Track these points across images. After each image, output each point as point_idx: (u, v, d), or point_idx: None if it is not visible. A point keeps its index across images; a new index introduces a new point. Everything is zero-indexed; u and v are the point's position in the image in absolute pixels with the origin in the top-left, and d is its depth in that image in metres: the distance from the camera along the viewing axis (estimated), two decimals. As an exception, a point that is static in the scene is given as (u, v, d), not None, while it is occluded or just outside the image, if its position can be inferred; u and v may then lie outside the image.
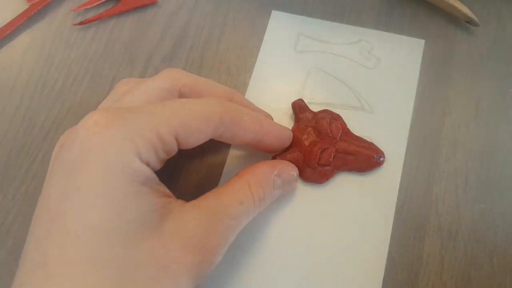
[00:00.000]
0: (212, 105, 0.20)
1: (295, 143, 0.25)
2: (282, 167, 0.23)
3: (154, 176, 0.19)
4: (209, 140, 0.20)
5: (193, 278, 0.18)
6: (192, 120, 0.19)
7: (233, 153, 0.27)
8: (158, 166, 0.19)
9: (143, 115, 0.18)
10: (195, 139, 0.19)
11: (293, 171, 0.24)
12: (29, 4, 0.31)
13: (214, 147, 0.27)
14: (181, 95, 0.22)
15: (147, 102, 0.21)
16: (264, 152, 0.25)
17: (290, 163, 0.24)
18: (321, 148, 0.25)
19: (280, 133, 0.24)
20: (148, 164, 0.18)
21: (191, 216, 0.19)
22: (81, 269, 0.16)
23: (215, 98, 0.21)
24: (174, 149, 0.19)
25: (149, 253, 0.17)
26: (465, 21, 0.29)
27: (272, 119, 0.26)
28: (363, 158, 0.25)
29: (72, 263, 0.16)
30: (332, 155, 0.25)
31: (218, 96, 0.23)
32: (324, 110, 0.27)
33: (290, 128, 0.27)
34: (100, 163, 0.17)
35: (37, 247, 0.17)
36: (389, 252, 0.24)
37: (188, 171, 0.26)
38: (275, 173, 0.22)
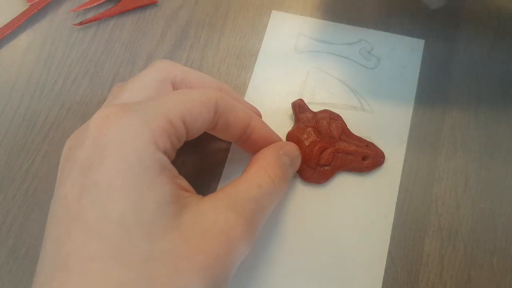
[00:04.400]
0: (208, 93, 0.20)
1: (295, 143, 0.25)
2: (285, 146, 0.23)
3: (172, 167, 0.18)
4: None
5: (220, 269, 0.17)
6: (194, 105, 0.19)
7: (233, 154, 0.27)
8: (172, 154, 0.19)
9: (152, 104, 0.18)
10: (199, 126, 0.20)
11: (295, 147, 0.24)
12: (29, 4, 0.31)
13: (214, 147, 0.27)
14: (174, 86, 0.22)
15: (146, 96, 0.21)
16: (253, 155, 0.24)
17: (290, 142, 0.25)
18: (321, 148, 0.25)
19: (269, 133, 0.23)
20: (164, 152, 0.18)
21: (210, 206, 0.18)
22: (103, 266, 0.15)
23: (209, 88, 0.22)
24: (183, 136, 0.19)
25: (171, 245, 0.16)
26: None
27: (261, 116, 0.26)
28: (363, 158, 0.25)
29: (94, 260, 0.15)
30: (332, 155, 0.25)
31: (208, 87, 0.24)
32: (324, 110, 0.27)
33: (290, 128, 0.27)
34: (116, 155, 0.16)
35: (57, 247, 0.16)
36: (389, 252, 0.24)
37: (188, 171, 0.26)
38: (281, 152, 0.22)
